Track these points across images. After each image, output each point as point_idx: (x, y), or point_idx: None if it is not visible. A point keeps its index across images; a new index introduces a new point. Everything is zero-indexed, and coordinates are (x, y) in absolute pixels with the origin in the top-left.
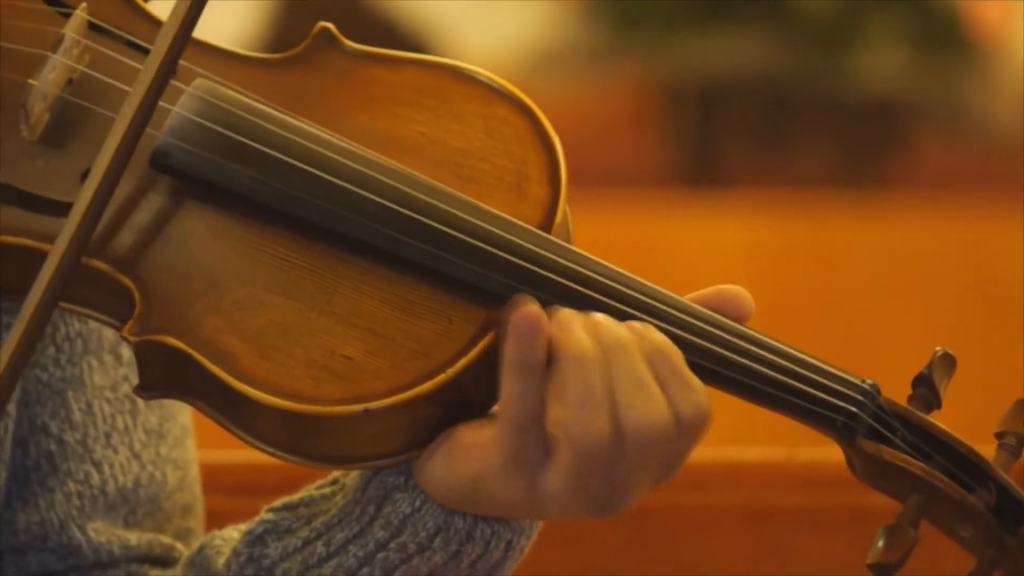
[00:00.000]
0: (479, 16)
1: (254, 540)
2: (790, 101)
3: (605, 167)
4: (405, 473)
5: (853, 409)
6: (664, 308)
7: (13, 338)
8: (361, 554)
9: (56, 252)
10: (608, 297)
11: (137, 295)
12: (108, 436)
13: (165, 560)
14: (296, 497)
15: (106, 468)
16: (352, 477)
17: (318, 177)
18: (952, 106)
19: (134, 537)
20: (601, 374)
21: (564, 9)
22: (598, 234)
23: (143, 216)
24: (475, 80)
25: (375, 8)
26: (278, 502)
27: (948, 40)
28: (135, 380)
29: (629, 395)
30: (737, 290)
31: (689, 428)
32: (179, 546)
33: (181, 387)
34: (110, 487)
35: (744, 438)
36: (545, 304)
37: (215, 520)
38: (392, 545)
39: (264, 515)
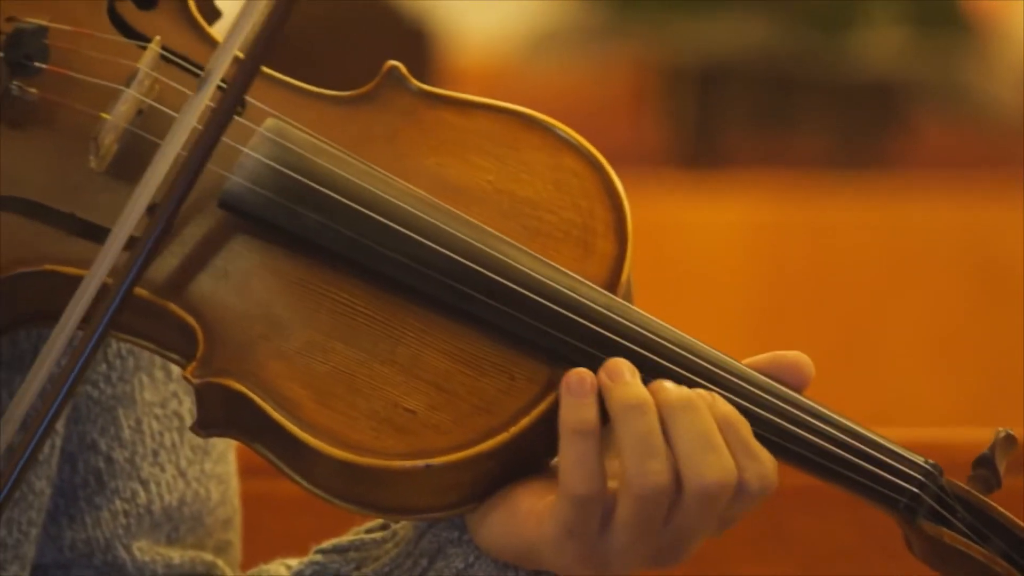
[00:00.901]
0: None
1: None
2: (790, 82)
3: (605, 148)
4: (459, 528)
5: (915, 490)
6: (730, 378)
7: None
8: None
9: (92, 279)
10: (672, 363)
11: (200, 335)
12: (156, 454)
13: None
14: (346, 540)
15: (153, 487)
16: (404, 526)
17: (387, 226)
18: (952, 87)
19: (176, 556)
20: (661, 423)
21: None
22: None
23: (210, 256)
24: (545, 129)
25: None
26: (327, 543)
27: (947, 20)
28: (185, 398)
29: (691, 447)
30: (796, 357)
31: (754, 495)
32: (220, 563)
33: (239, 428)
34: (156, 506)
35: None
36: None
37: None
38: None
39: (313, 556)
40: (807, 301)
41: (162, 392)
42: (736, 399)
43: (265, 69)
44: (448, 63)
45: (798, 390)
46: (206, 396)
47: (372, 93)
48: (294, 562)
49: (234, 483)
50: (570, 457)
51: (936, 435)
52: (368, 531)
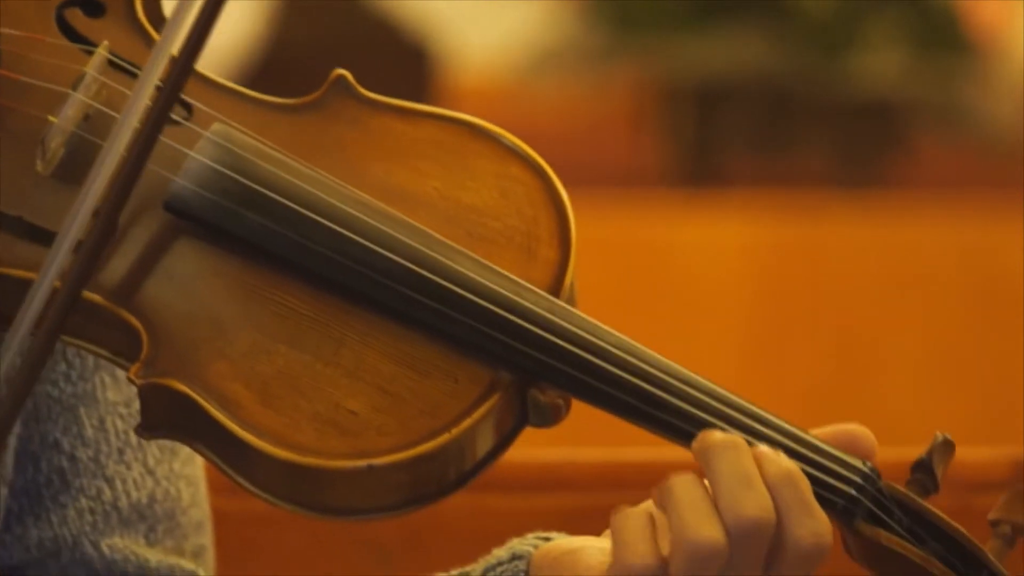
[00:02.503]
0: (478, 15)
1: None
2: (789, 101)
3: (603, 167)
4: None
5: (853, 492)
6: (669, 379)
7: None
8: None
9: (41, 283)
10: (613, 365)
11: (145, 336)
12: (121, 452)
13: None
14: None
15: (118, 484)
16: None
17: (331, 229)
18: (951, 107)
19: (154, 558)
20: (706, 472)
21: (563, 8)
22: (596, 234)
23: (155, 259)
24: (491, 138)
25: (374, 8)
26: None
27: (947, 40)
28: None
29: (732, 489)
30: (859, 431)
31: (807, 554)
32: (201, 572)
33: (183, 430)
34: (123, 503)
35: None
36: (555, 372)
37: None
38: None
39: None
40: (806, 320)
41: (125, 392)
42: (672, 399)
43: (213, 76)
44: (448, 82)
45: (868, 458)
46: (150, 397)
47: (319, 101)
48: None
49: (203, 488)
50: (625, 531)
51: None
52: None
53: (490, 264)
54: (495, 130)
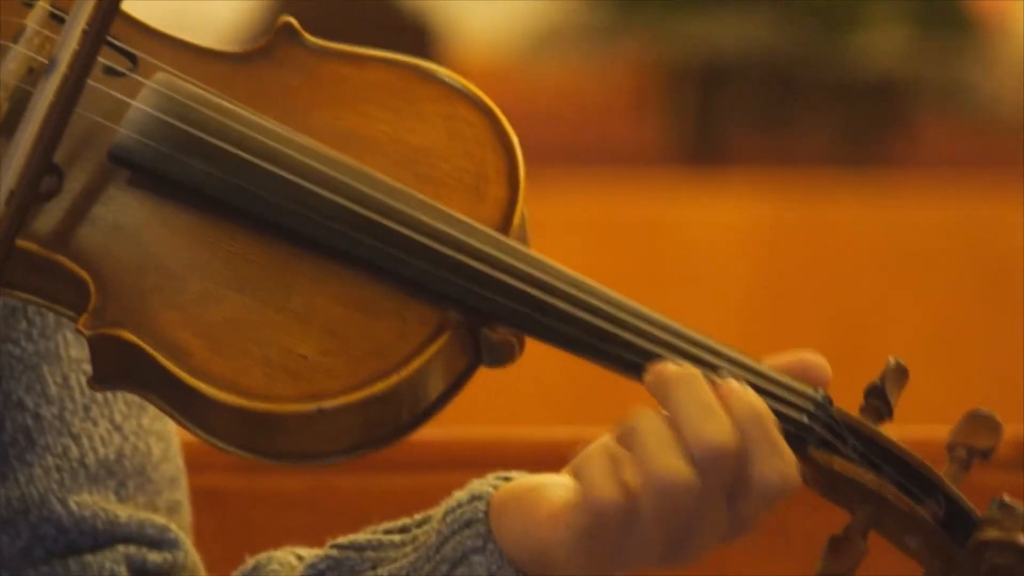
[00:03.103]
0: None
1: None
2: (791, 80)
3: (606, 146)
4: (484, 537)
5: (804, 420)
6: (619, 313)
7: None
8: None
9: None
10: (560, 299)
11: (93, 287)
12: (87, 409)
13: (161, 542)
14: (363, 538)
15: (85, 440)
16: (426, 532)
17: (276, 174)
18: (953, 86)
19: (124, 514)
20: (664, 405)
21: None
22: (599, 213)
23: (100, 209)
24: (439, 80)
25: None
26: (344, 539)
27: (950, 20)
28: None
29: (694, 418)
30: (815, 360)
31: (771, 491)
32: (173, 527)
33: (135, 380)
34: (90, 459)
35: None
36: (504, 309)
37: (214, 498)
38: None
39: (328, 550)
40: (808, 299)
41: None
42: (622, 333)
43: (160, 28)
44: (450, 62)
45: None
46: (99, 348)
47: (267, 49)
48: (306, 553)
49: (175, 442)
50: (590, 469)
51: (936, 432)
52: (387, 532)
53: (437, 204)
54: (444, 72)
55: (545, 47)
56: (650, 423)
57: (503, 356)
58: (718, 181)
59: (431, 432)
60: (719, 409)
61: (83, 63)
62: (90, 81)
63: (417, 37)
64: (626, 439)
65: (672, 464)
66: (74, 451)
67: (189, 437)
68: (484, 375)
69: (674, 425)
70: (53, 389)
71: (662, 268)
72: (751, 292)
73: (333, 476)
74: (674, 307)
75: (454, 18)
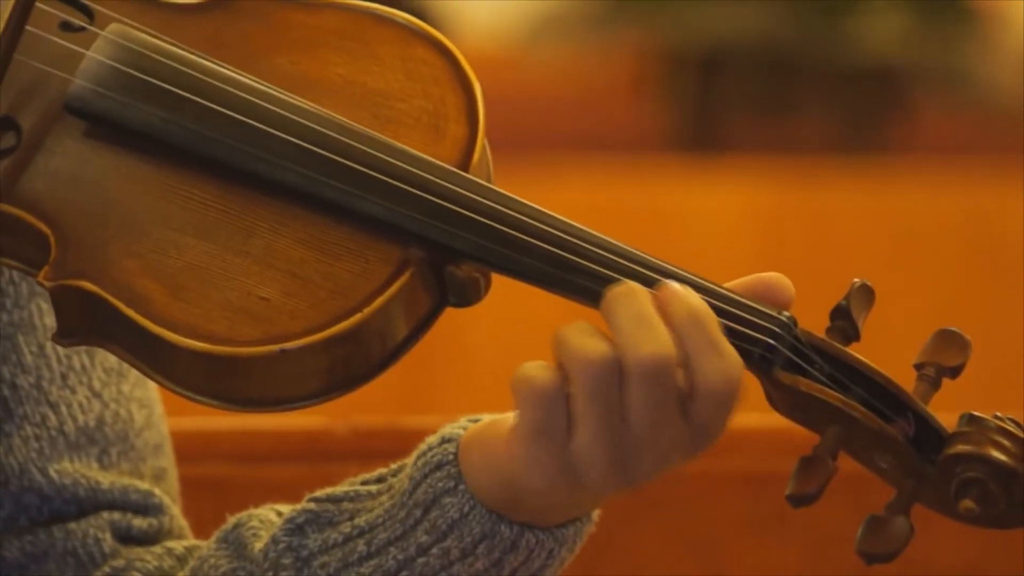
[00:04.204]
0: None
1: (294, 529)
2: (791, 67)
3: (605, 132)
4: (455, 478)
5: (770, 341)
6: (579, 243)
7: None
8: (402, 557)
9: None
10: (521, 231)
11: (52, 240)
12: (64, 377)
13: (145, 507)
14: (340, 490)
15: (63, 408)
16: (400, 479)
17: (231, 118)
18: (953, 72)
19: (106, 481)
20: (608, 325)
21: None
22: (598, 199)
23: (58, 161)
24: (394, 23)
25: None
26: (321, 492)
27: (948, 6)
28: None
29: (628, 326)
30: (776, 279)
31: (717, 394)
32: (157, 492)
33: (99, 333)
34: (69, 427)
35: (744, 404)
36: (464, 243)
37: (213, 487)
38: (435, 550)
39: (306, 504)
40: (808, 286)
41: None
42: (584, 262)
43: None
44: None
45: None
46: (61, 301)
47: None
48: (285, 508)
49: (158, 409)
50: (525, 382)
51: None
52: (363, 483)
53: (393, 142)
54: (399, 15)
55: (544, 34)
56: (574, 326)
57: (469, 294)
58: (717, 167)
59: (433, 421)
60: (656, 320)
61: (21, 6)
62: (46, 35)
63: None
64: (559, 347)
65: (591, 342)
66: (52, 419)
67: (185, 426)
68: (489, 363)
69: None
70: (29, 358)
71: (661, 254)
72: None
73: (332, 465)
74: None
75: (453, 6)
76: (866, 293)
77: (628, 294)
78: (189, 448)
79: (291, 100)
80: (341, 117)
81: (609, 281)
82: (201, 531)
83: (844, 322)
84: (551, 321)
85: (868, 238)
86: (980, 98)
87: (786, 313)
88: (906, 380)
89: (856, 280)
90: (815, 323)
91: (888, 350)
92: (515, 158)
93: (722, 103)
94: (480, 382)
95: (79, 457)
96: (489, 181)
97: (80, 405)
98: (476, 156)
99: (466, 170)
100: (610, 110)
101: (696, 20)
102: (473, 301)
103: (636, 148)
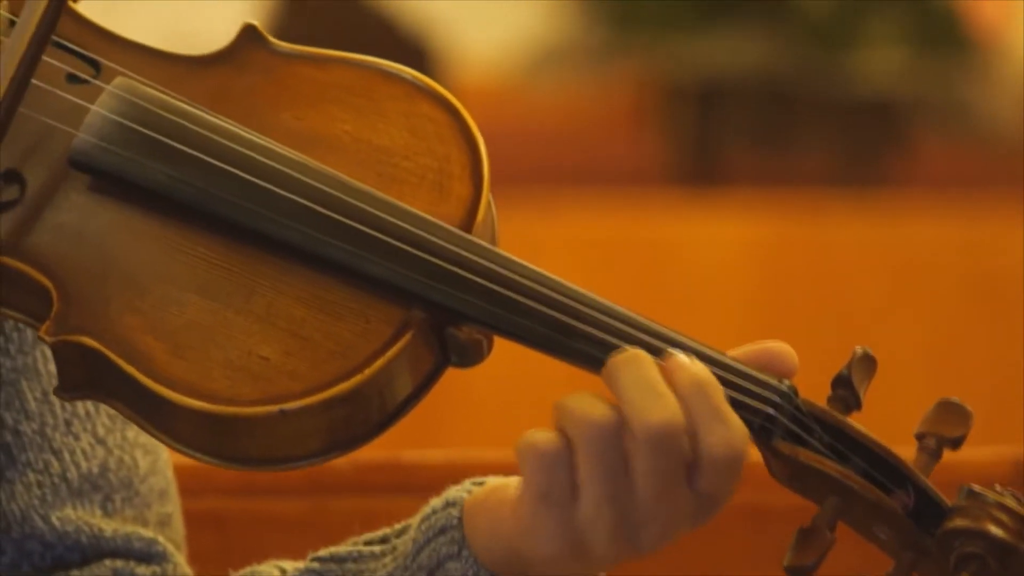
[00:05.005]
0: (479, 14)
1: None
2: (790, 100)
3: (604, 165)
4: (459, 543)
5: (770, 411)
6: (586, 310)
7: None
8: None
9: None
10: (526, 296)
11: (55, 294)
12: (68, 423)
13: (149, 555)
14: (343, 550)
15: (66, 455)
16: (404, 541)
17: (236, 176)
18: (952, 105)
19: (109, 528)
20: (612, 391)
21: (564, 7)
22: (598, 233)
23: (62, 215)
24: (401, 79)
25: (374, 6)
26: (324, 551)
27: (948, 39)
28: None
29: (635, 393)
30: (780, 348)
31: (720, 463)
32: (161, 539)
33: (100, 388)
34: (72, 474)
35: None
36: (466, 306)
37: (213, 521)
38: None
39: (309, 563)
40: (807, 319)
41: None
42: (585, 327)
43: (124, 35)
44: (448, 81)
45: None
46: (63, 356)
47: (229, 52)
48: (288, 566)
49: (164, 454)
50: (528, 455)
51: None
52: (367, 543)
53: (397, 202)
54: (405, 71)
55: (544, 67)
56: (576, 395)
57: (471, 355)
58: (717, 200)
59: (433, 455)
60: (663, 387)
61: (28, 59)
62: (52, 88)
63: (415, 56)
64: (561, 416)
65: (594, 407)
66: (55, 466)
67: (186, 460)
68: (491, 397)
69: (619, 406)
70: (32, 404)
71: (661, 288)
72: (750, 311)
73: (333, 499)
74: (673, 326)
75: (452, 39)
76: (868, 362)
77: (634, 360)
78: (190, 482)
79: (295, 158)
80: (346, 176)
81: (612, 348)
82: (201, 565)
83: (845, 391)
84: (560, 393)
85: (867, 270)
86: (979, 131)
87: (787, 382)
88: (902, 411)
89: (858, 348)
90: (813, 359)
91: (887, 383)
92: (514, 191)
93: (721, 136)
94: (481, 416)
95: (82, 504)
96: (494, 239)
97: (84, 452)
98: (480, 215)
99: (470, 229)
100: (609, 143)
101: (695, 54)
102: (475, 362)
103: (635, 181)
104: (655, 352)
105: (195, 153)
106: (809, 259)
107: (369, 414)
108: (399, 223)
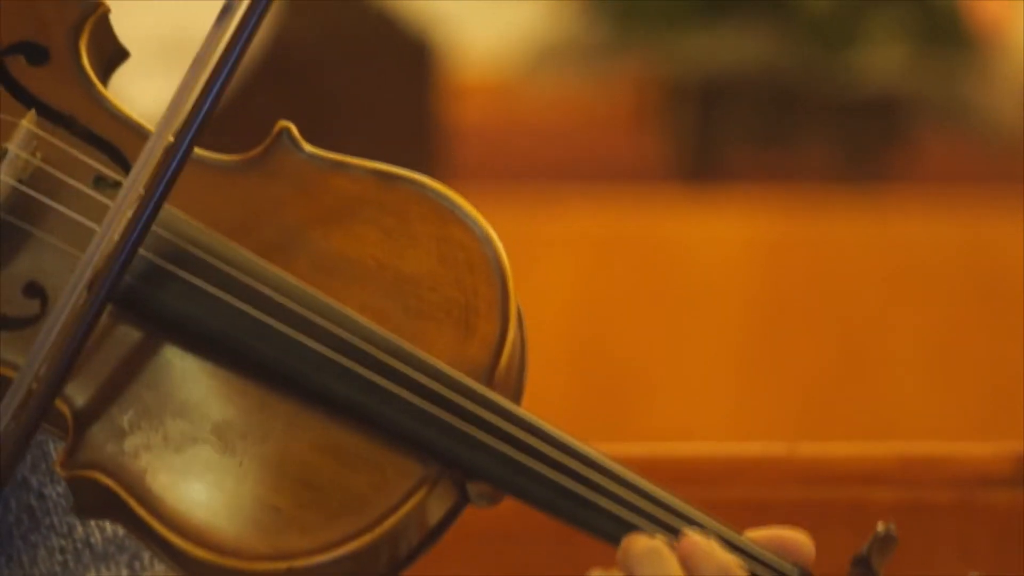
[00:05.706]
0: (480, 12)
1: None
2: (791, 97)
3: (606, 162)
4: None
5: None
6: (602, 479)
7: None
8: None
9: (22, 381)
10: (547, 465)
11: (70, 423)
12: None
13: None
14: None
15: (91, 519)
16: None
17: (256, 320)
18: (954, 102)
19: None
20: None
21: (565, 4)
22: (599, 229)
23: (86, 352)
24: (435, 199)
25: (376, 4)
26: None
27: (949, 36)
28: None
29: None
30: (797, 537)
31: None
32: None
33: (113, 515)
34: (96, 538)
35: (745, 433)
36: (486, 469)
37: None
38: None
39: None
40: (808, 315)
41: None
42: (603, 500)
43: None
44: (449, 78)
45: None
46: (77, 487)
47: (261, 158)
48: None
49: None
50: None
51: (936, 449)
52: None
53: (422, 355)
54: (442, 191)
55: (545, 64)
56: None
57: (487, 502)
58: (718, 197)
59: None
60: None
61: (138, 233)
62: (82, 219)
63: (417, 53)
64: None
65: None
66: (79, 530)
67: None
68: None
69: None
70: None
71: (662, 284)
72: (751, 308)
73: None
74: (674, 323)
75: (454, 35)
76: (887, 541)
77: (655, 554)
78: None
79: (320, 300)
80: (373, 309)
81: (626, 525)
82: None
83: (863, 571)
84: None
85: (868, 267)
86: (981, 128)
87: (799, 569)
88: (903, 408)
89: (880, 526)
90: (813, 356)
91: (887, 380)
92: (516, 187)
93: (723, 133)
94: None
95: (107, 567)
96: (522, 374)
97: None
98: (504, 358)
99: (494, 372)
100: (611, 140)
101: (697, 50)
102: (496, 503)
103: (637, 178)
104: (673, 531)
105: (222, 295)
106: (810, 256)
107: (379, 563)
108: (423, 380)
